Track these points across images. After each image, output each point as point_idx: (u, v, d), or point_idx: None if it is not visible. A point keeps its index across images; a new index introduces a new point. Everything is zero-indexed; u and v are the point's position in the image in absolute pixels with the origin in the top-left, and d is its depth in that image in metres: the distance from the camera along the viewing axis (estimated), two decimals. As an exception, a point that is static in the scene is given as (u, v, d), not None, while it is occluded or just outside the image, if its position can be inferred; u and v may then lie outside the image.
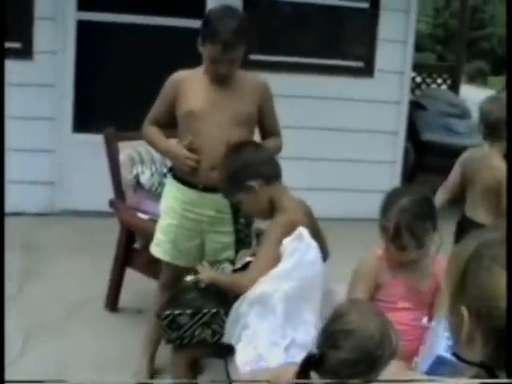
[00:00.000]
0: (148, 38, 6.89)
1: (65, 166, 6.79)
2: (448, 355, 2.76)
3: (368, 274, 3.23)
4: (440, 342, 2.83)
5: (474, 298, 1.51)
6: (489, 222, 4.20)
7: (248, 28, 3.82)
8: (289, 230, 3.19)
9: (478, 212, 4.39)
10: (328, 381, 2.34)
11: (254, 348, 3.01)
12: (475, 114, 9.68)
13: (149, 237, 4.29)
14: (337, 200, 7.10)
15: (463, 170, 4.49)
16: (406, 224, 3.11)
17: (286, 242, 3.14)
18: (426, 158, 8.84)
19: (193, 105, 3.81)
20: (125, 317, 4.97)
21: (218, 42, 3.65)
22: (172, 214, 3.93)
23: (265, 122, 3.97)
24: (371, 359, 2.40)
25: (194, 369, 3.53)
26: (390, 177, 7.69)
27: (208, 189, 3.81)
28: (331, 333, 2.45)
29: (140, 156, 4.77)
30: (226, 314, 3.20)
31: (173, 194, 3.94)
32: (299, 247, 3.14)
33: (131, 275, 4.98)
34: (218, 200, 3.75)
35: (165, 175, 4.51)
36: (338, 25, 7.54)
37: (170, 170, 4.04)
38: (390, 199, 3.20)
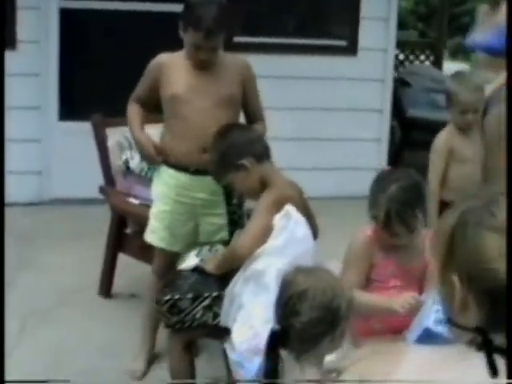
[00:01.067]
0: (130, 24, 6.88)
1: (52, 155, 6.79)
2: (436, 328, 2.80)
3: (361, 256, 3.25)
4: (428, 314, 2.87)
5: (463, 262, 1.53)
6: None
7: (229, 14, 3.84)
8: (279, 203, 3.22)
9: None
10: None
11: (250, 327, 3.05)
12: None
13: (141, 221, 4.31)
14: (324, 179, 7.11)
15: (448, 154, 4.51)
16: (396, 212, 3.09)
17: (276, 219, 3.17)
18: (411, 134, 8.87)
19: (176, 89, 3.84)
20: (119, 302, 5.01)
21: (200, 30, 3.68)
22: (165, 199, 3.95)
23: (249, 103, 3.99)
24: (331, 313, 2.47)
25: (191, 351, 3.55)
26: (377, 154, 7.73)
27: (199, 171, 3.84)
28: (286, 302, 2.52)
29: (128, 141, 4.77)
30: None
31: (164, 180, 3.96)
32: (288, 224, 3.17)
33: (123, 260, 5.01)
34: (210, 182, 3.78)
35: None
36: (320, 4, 7.54)
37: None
38: (379, 186, 3.17)
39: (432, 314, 2.83)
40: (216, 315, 3.24)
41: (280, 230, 3.15)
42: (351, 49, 7.46)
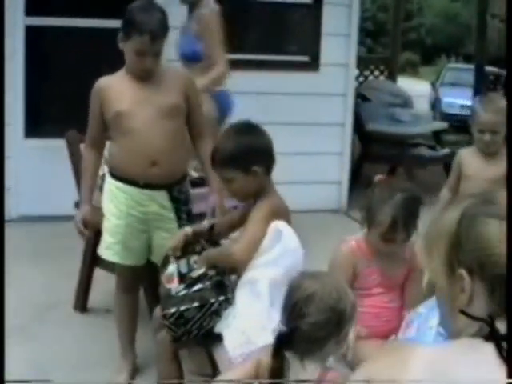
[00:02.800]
0: (96, 41, 6.92)
1: (20, 172, 6.79)
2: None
3: (345, 266, 3.38)
4: (427, 332, 2.98)
5: (472, 252, 1.58)
6: None
7: (168, 22, 3.86)
8: (275, 214, 3.28)
9: None
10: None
11: (242, 333, 3.10)
12: (416, 104, 9.98)
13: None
14: (287, 192, 7.15)
15: (457, 167, 4.55)
16: (402, 220, 3.26)
17: (269, 231, 3.24)
18: (371, 147, 9.04)
19: (120, 105, 3.83)
20: (95, 317, 5.02)
21: (145, 33, 3.69)
22: (117, 214, 3.96)
23: (193, 117, 4.02)
24: (337, 315, 2.54)
25: (178, 359, 3.58)
26: (339, 168, 7.87)
27: (149, 185, 3.89)
28: (293, 305, 2.59)
29: (104, 157, 4.81)
30: (233, 297, 3.28)
31: (114, 194, 3.97)
32: (282, 236, 3.24)
33: (97, 275, 5.03)
34: (161, 196, 3.86)
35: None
36: (282, 20, 7.66)
37: (109, 168, 4.08)
38: (382, 194, 3.33)
39: (436, 336, 2.94)
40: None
41: (273, 242, 3.22)
42: (313, 64, 7.60)
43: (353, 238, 3.48)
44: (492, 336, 1.54)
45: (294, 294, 2.58)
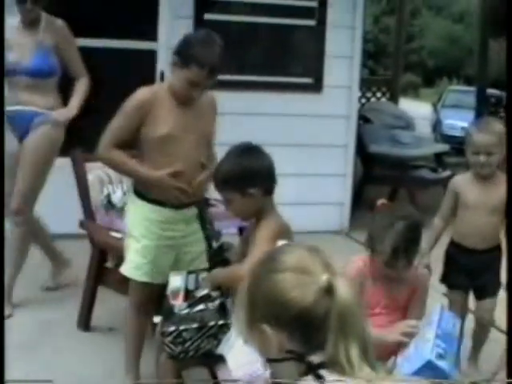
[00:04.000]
0: (101, 61, 6.96)
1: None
2: (438, 362, 2.95)
3: (354, 285, 3.39)
4: (428, 346, 3.01)
5: (266, 307, 1.81)
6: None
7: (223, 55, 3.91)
8: (280, 234, 3.31)
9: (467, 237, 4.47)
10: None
11: (247, 353, 3.12)
12: (418, 126, 10.03)
13: (124, 255, 4.36)
14: (290, 214, 7.20)
15: (453, 195, 4.50)
16: (403, 248, 3.32)
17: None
18: (373, 169, 9.08)
19: (166, 129, 3.86)
20: (98, 335, 5.02)
21: (205, 67, 3.74)
22: (149, 235, 3.97)
23: (210, 138, 4.10)
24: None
25: (181, 380, 3.60)
26: (342, 189, 7.91)
27: (182, 206, 3.95)
28: None
29: (109, 176, 4.86)
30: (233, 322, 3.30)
31: (146, 216, 3.97)
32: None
33: (100, 293, 5.06)
34: (190, 213, 3.91)
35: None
36: (286, 42, 7.71)
37: (135, 190, 4.05)
38: (383, 222, 3.38)
39: (434, 348, 2.98)
40: (220, 342, 3.30)
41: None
42: (316, 86, 7.64)
43: (359, 257, 3.53)
44: (309, 368, 1.74)
45: None
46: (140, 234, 3.99)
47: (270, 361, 1.81)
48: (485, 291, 4.49)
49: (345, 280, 1.80)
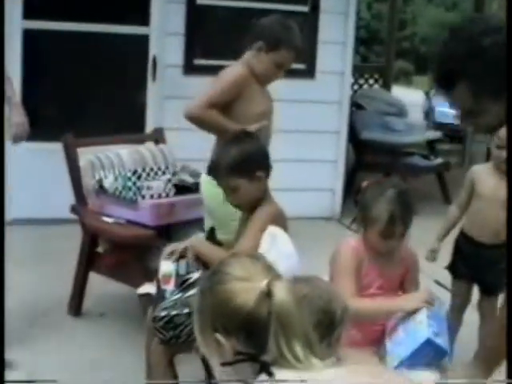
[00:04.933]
0: (94, 45, 6.95)
1: (14, 175, 6.78)
2: (436, 339, 2.97)
3: (352, 265, 3.36)
4: (421, 328, 3.03)
5: (215, 316, 1.93)
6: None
7: None
8: (277, 218, 3.32)
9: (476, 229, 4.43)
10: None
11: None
12: (410, 113, 10.02)
13: (114, 239, 4.36)
14: (282, 200, 7.19)
15: (469, 185, 4.45)
16: (399, 213, 3.29)
17: (264, 236, 3.26)
18: (365, 156, 9.07)
19: (265, 105, 4.20)
20: (89, 321, 5.02)
21: (292, 50, 4.07)
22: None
23: None
24: (328, 317, 2.54)
25: (173, 365, 3.59)
26: (334, 175, 7.90)
27: None
28: None
29: (100, 161, 4.84)
30: None
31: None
32: (274, 242, 3.26)
33: (91, 279, 5.05)
34: None
35: (129, 178, 4.60)
36: (279, 28, 7.68)
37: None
38: (373, 193, 3.35)
39: (429, 327, 3.00)
40: None
41: (267, 249, 3.24)
42: (309, 72, 7.62)
43: (350, 239, 3.51)
44: (261, 366, 1.86)
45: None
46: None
47: (225, 364, 1.91)
48: (488, 288, 4.45)
49: (285, 283, 1.95)
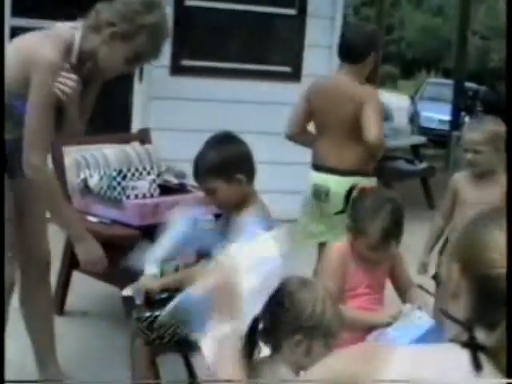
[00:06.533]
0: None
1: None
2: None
3: (337, 268, 3.42)
4: (416, 319, 3.05)
5: (464, 248, 1.67)
6: None
7: None
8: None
9: None
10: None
11: (219, 341, 3.11)
12: (395, 118, 10.07)
13: (99, 239, 4.34)
14: (269, 203, 7.20)
15: (452, 193, 4.46)
16: (392, 231, 3.38)
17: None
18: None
19: None
20: (72, 320, 5.02)
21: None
22: None
23: None
24: (325, 319, 2.56)
25: (155, 366, 3.60)
26: (319, 179, 7.90)
27: None
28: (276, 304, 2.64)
29: (86, 160, 4.84)
30: None
31: None
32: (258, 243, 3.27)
33: (74, 278, 5.04)
34: None
35: (114, 178, 4.61)
36: (266, 31, 7.72)
37: None
38: (369, 205, 3.41)
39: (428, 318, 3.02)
40: None
41: (251, 249, 3.24)
42: (295, 75, 7.65)
43: (338, 244, 3.57)
44: (470, 343, 1.59)
45: (279, 297, 2.63)
46: None
47: (442, 312, 1.73)
48: None
49: None
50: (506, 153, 4.14)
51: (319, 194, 4.86)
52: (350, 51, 4.77)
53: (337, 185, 4.68)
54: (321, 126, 5.05)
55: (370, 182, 4.43)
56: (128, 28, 3.40)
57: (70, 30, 3.54)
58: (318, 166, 5.10)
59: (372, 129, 4.51)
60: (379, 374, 1.60)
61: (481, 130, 4.24)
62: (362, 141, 4.57)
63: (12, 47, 3.65)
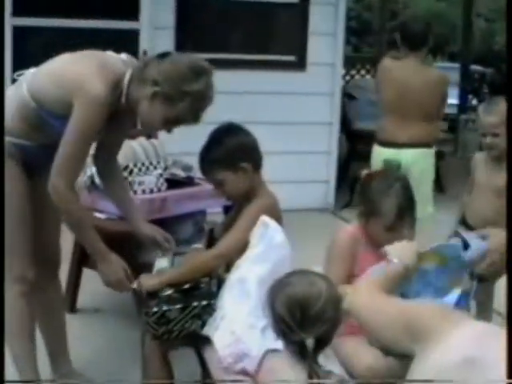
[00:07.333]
0: (84, 41, 6.88)
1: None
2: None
3: (346, 252, 3.40)
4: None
5: None
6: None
7: None
8: (267, 212, 3.31)
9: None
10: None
11: (232, 333, 3.10)
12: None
13: (107, 235, 4.31)
14: (275, 192, 7.18)
15: (472, 172, 4.48)
16: (407, 208, 3.36)
17: (254, 228, 3.25)
18: (358, 146, 9.05)
19: None
20: (84, 317, 5.01)
21: None
22: None
23: None
24: (338, 312, 2.60)
25: (168, 361, 3.57)
26: (327, 167, 7.90)
27: None
28: (312, 313, 2.62)
29: (91, 157, 4.81)
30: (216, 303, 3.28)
31: None
32: (267, 232, 3.25)
33: (85, 275, 5.03)
34: None
35: (121, 174, 4.58)
36: (269, 20, 7.68)
37: None
38: (380, 186, 3.39)
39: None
40: (205, 323, 3.27)
41: (259, 238, 3.23)
42: (300, 64, 7.62)
43: (348, 226, 3.54)
44: None
45: (308, 303, 2.62)
46: None
47: None
48: (483, 275, 4.44)
49: None
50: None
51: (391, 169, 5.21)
52: (418, 40, 5.65)
53: (409, 157, 5.51)
54: (393, 106, 5.67)
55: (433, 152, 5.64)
56: (171, 92, 3.23)
57: (122, 67, 3.44)
58: (387, 143, 5.76)
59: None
60: (448, 335, 1.70)
61: (496, 112, 4.21)
62: (434, 118, 5.62)
63: (56, 67, 3.63)
